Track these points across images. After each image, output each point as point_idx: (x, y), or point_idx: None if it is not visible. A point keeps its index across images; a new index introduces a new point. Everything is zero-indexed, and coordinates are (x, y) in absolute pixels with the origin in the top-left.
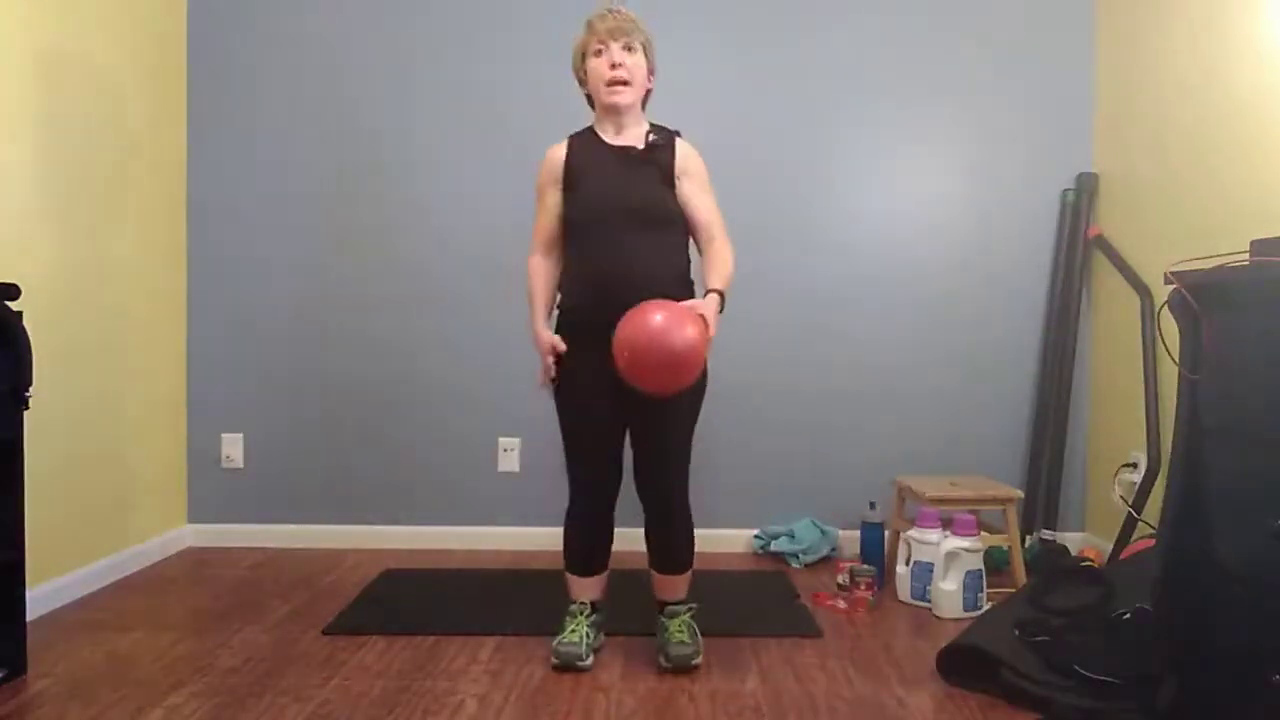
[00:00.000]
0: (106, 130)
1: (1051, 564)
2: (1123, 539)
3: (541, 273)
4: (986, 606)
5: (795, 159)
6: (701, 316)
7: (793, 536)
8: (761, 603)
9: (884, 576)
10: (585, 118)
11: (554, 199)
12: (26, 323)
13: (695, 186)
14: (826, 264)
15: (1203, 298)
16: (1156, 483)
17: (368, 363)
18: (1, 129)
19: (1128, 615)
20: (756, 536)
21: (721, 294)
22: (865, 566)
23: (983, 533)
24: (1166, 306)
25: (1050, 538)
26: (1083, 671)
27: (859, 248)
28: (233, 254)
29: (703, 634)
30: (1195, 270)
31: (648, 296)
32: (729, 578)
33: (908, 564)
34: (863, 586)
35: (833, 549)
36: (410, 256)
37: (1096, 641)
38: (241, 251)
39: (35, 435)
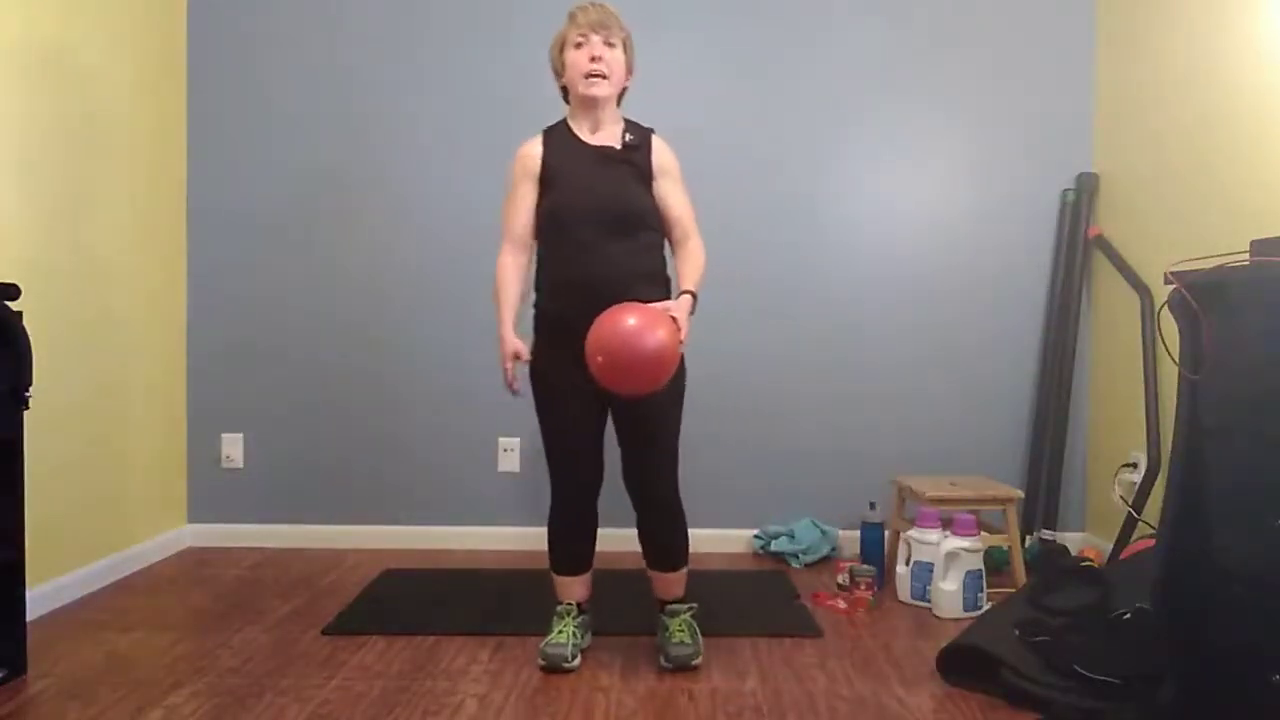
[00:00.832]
0: (107, 131)
1: (1051, 564)
2: (1123, 539)
3: (511, 272)
4: (986, 606)
5: (795, 159)
6: (673, 318)
7: (793, 536)
8: (761, 603)
9: (884, 576)
10: None
11: (529, 195)
12: (26, 323)
13: (671, 184)
14: (827, 264)
15: (1203, 298)
16: (1156, 483)
17: (368, 363)
18: (1, 129)
19: (1128, 615)
20: (756, 536)
21: (694, 295)
22: (865, 566)
23: (983, 533)
24: (1166, 306)
25: (1050, 538)
26: (1083, 671)
27: (859, 248)
28: (232, 254)
29: (703, 634)
30: (1195, 270)
31: (626, 297)
32: (729, 578)
33: (908, 564)
34: (863, 586)
35: (833, 549)
36: (410, 256)
37: (1096, 641)
38: (241, 252)
39: (35, 435)
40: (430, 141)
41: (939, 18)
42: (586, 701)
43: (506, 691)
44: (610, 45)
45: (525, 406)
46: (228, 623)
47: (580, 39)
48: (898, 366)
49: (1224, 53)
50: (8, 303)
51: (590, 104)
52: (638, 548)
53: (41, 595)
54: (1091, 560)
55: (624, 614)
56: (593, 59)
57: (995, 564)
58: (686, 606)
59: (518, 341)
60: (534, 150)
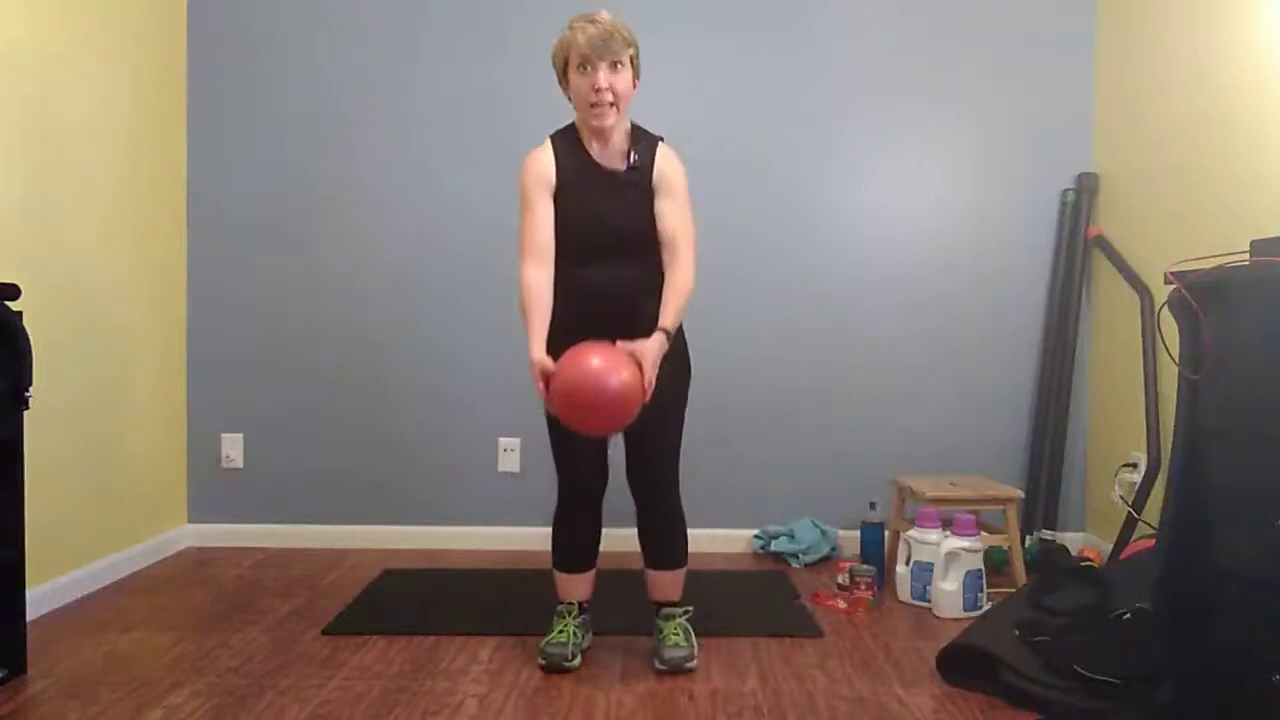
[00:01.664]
0: (107, 131)
1: (1051, 564)
2: (1123, 539)
3: (538, 289)
4: (986, 606)
5: (794, 159)
6: (639, 362)
7: (793, 536)
8: (761, 603)
9: (884, 576)
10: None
11: (547, 208)
12: (26, 323)
13: (668, 200)
14: (826, 264)
15: (1203, 298)
16: (1156, 483)
17: (368, 363)
18: (2, 130)
19: (1128, 615)
20: (756, 536)
21: (668, 332)
22: (865, 566)
23: (983, 533)
24: (1166, 306)
25: (1050, 538)
26: (1083, 671)
27: (859, 248)
28: (232, 254)
29: (703, 634)
30: (1195, 270)
31: (634, 311)
32: (729, 578)
33: (908, 564)
34: (863, 586)
35: (833, 549)
36: (411, 257)
37: (1096, 641)
38: (241, 252)
39: (35, 435)
40: (431, 141)
41: (939, 18)
42: (586, 701)
43: (506, 691)
44: (616, 67)
45: (525, 406)
46: (228, 623)
47: (583, 62)
48: (898, 366)
49: (1223, 52)
50: (8, 303)
51: (599, 131)
52: (636, 548)
53: (41, 595)
54: (1091, 560)
55: (624, 614)
56: (598, 89)
57: (995, 564)
58: (682, 610)
59: (548, 360)
60: (546, 161)
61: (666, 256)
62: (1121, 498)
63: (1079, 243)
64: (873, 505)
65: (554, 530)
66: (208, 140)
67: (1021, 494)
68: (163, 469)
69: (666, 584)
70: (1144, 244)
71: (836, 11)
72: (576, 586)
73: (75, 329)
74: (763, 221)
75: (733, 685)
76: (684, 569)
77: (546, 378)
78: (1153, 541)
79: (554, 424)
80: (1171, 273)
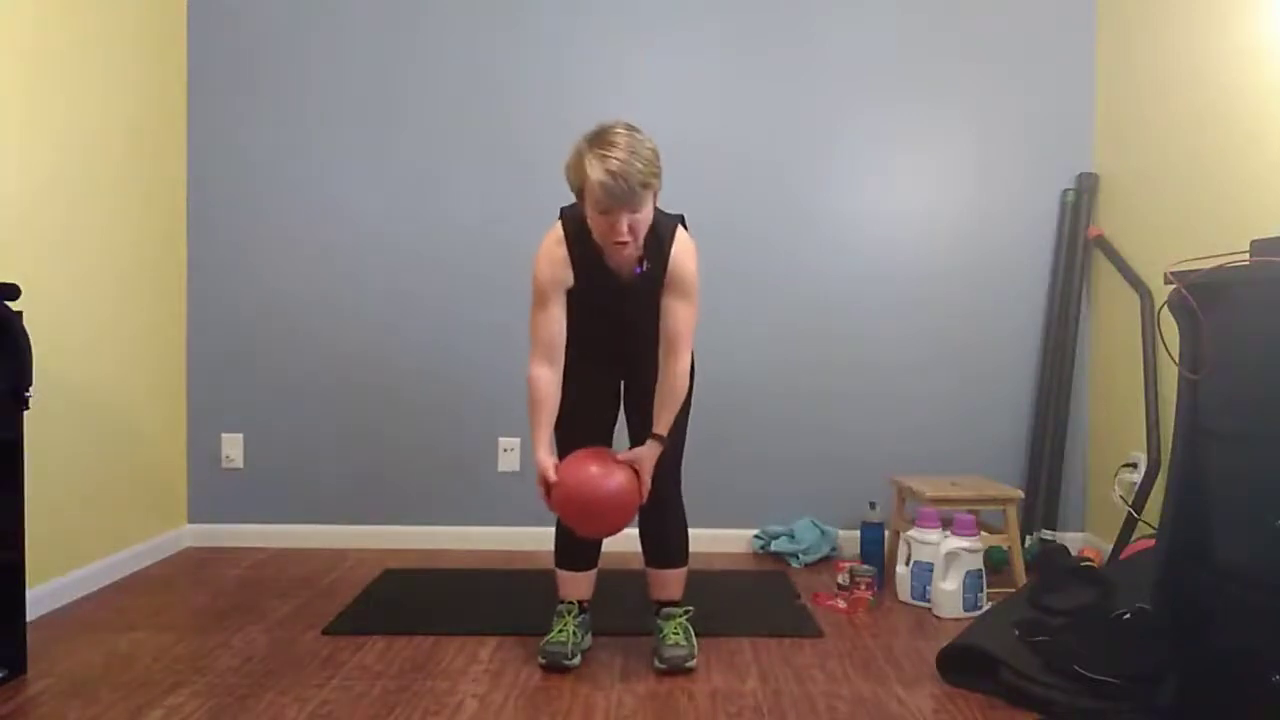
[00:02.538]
0: (107, 131)
1: (1051, 564)
2: (1123, 539)
3: (546, 386)
4: (986, 606)
5: (794, 159)
6: (635, 471)
7: (793, 536)
8: (761, 603)
9: (884, 576)
10: (585, 128)
11: (560, 305)
12: (26, 323)
13: (676, 299)
14: (826, 264)
15: (1203, 298)
16: (1156, 483)
17: (368, 362)
18: (4, 132)
19: (1128, 615)
20: (756, 536)
21: (662, 439)
22: (865, 566)
23: (983, 533)
24: (1166, 306)
25: (1050, 538)
26: (1083, 671)
27: (859, 248)
28: (232, 254)
29: (703, 634)
30: (1195, 270)
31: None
32: (729, 578)
33: (908, 564)
34: (863, 586)
35: (833, 549)
36: (411, 256)
37: (1096, 641)
38: (241, 252)
39: (35, 435)
40: (431, 140)
41: (939, 18)
42: (586, 701)
43: (506, 691)
44: (637, 208)
45: (525, 406)
46: (228, 623)
47: (603, 210)
48: (898, 366)
49: (1223, 53)
50: (8, 303)
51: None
52: (640, 547)
53: (41, 595)
54: (1091, 560)
55: (624, 614)
56: (618, 235)
57: (995, 564)
58: (682, 609)
59: (550, 466)
60: (561, 261)
61: (663, 351)
62: (1121, 498)
63: (1079, 243)
64: (873, 505)
65: (558, 529)
66: (209, 141)
67: (1021, 494)
68: (163, 469)
69: (667, 583)
70: (1144, 244)
71: (836, 12)
72: (578, 585)
73: (75, 329)
74: (763, 222)
75: (733, 685)
76: (685, 568)
77: (547, 483)
78: (1153, 541)
79: (563, 425)
80: (1171, 273)
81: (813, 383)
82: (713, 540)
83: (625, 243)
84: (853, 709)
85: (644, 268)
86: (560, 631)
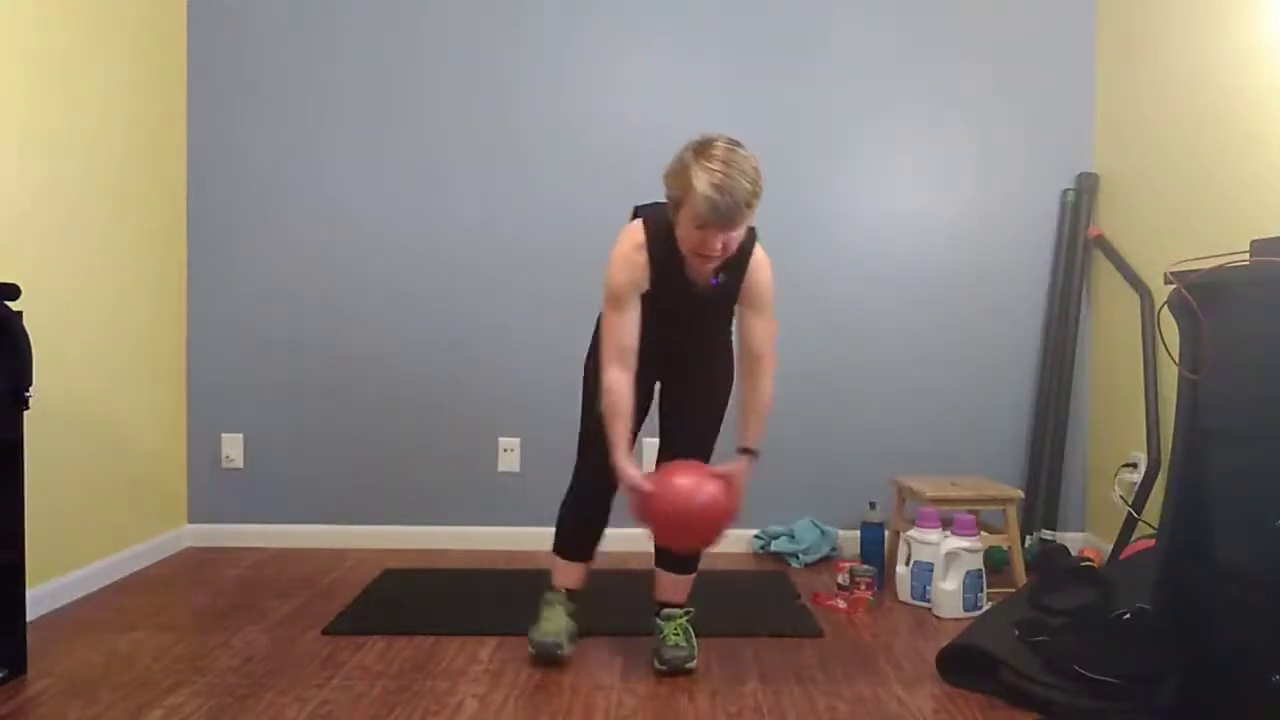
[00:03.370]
0: (107, 131)
1: (1051, 564)
2: (1123, 539)
3: (624, 391)
4: (986, 606)
5: (795, 159)
6: (729, 482)
7: (793, 536)
8: (761, 603)
9: (884, 576)
10: (585, 128)
11: (636, 308)
12: (27, 323)
13: (758, 316)
14: (827, 264)
15: (1203, 298)
16: (1156, 483)
17: (368, 362)
18: (4, 132)
19: (1128, 615)
20: (756, 536)
21: (755, 453)
22: (865, 566)
23: (983, 533)
24: (1166, 306)
25: (1050, 538)
26: (1083, 671)
27: (859, 248)
28: (232, 254)
29: (703, 634)
30: (1195, 270)
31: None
32: (729, 578)
33: (908, 564)
34: (863, 586)
35: (833, 549)
36: (411, 255)
37: (1096, 641)
38: (241, 251)
39: (35, 435)
40: (431, 140)
41: (939, 19)
42: (586, 701)
43: (506, 691)
44: (736, 228)
45: (525, 407)
46: (228, 623)
47: (703, 225)
48: (898, 366)
49: (1223, 53)
50: (8, 303)
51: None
52: (640, 547)
53: (41, 595)
54: (1091, 560)
55: (624, 614)
56: (710, 250)
57: (995, 564)
58: (683, 611)
59: (635, 473)
60: (641, 265)
61: (747, 367)
62: (1121, 498)
63: (1079, 243)
64: (873, 505)
65: (563, 516)
66: (209, 141)
67: (1021, 494)
68: (163, 469)
69: (675, 587)
70: (1144, 244)
71: (836, 12)
72: (574, 575)
73: (76, 329)
74: (762, 222)
75: (733, 685)
76: (693, 576)
77: (641, 493)
78: (1153, 541)
79: (591, 410)
80: (1171, 273)
81: (813, 382)
82: None
83: (715, 258)
84: (853, 709)
85: (720, 279)
86: (549, 621)
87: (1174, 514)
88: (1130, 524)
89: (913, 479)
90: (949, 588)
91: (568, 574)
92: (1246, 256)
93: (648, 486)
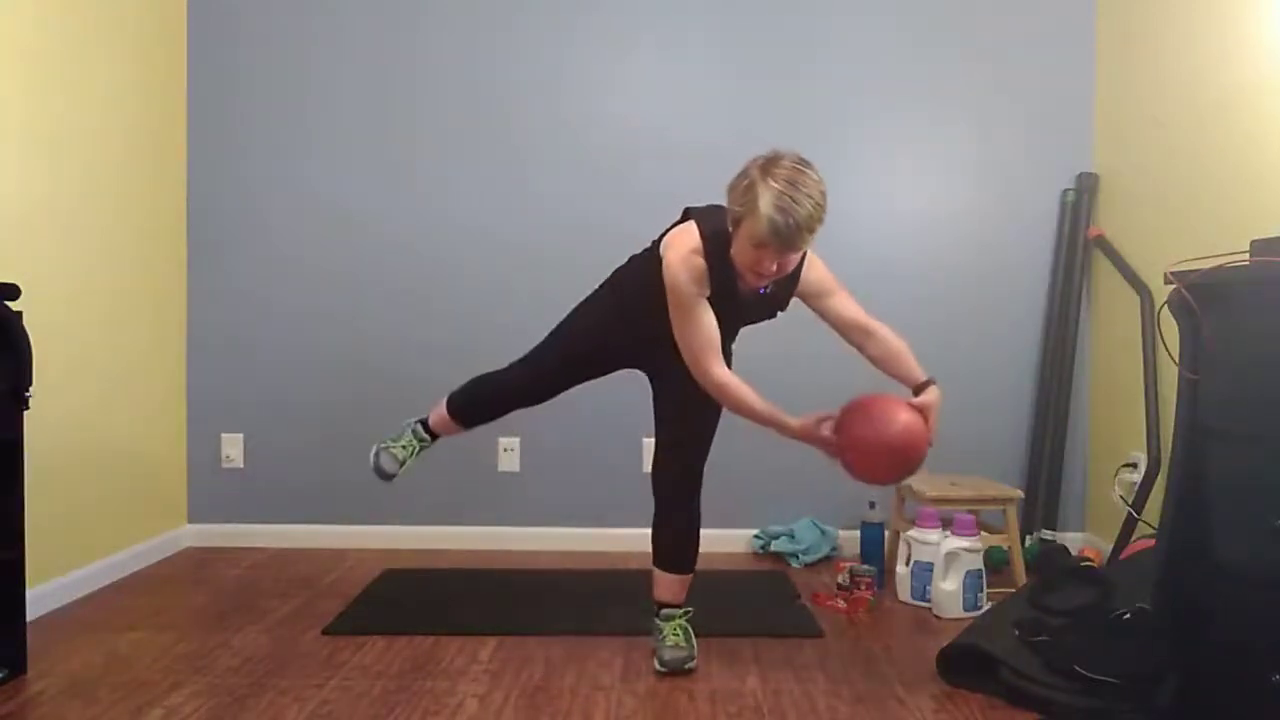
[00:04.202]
0: (109, 134)
1: (1051, 564)
2: (1123, 539)
3: (739, 380)
4: (986, 606)
5: None
6: (924, 411)
7: (793, 536)
8: (761, 603)
9: (884, 576)
10: (585, 128)
11: (708, 308)
12: (27, 323)
13: (832, 299)
14: (827, 263)
15: (1203, 298)
16: (1156, 483)
17: (368, 362)
18: (4, 132)
19: (1128, 615)
20: (756, 536)
21: (933, 380)
22: (865, 566)
23: (983, 533)
24: (1166, 306)
25: (1050, 538)
26: (1083, 671)
27: (859, 247)
28: (232, 254)
29: (703, 634)
30: (1195, 270)
31: None
32: (729, 578)
33: (908, 564)
34: (863, 586)
35: (833, 549)
36: (409, 256)
37: (1096, 641)
38: (241, 252)
39: (35, 435)
40: (431, 140)
41: (939, 18)
42: (586, 701)
43: (506, 691)
44: (796, 252)
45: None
46: (228, 623)
47: (763, 244)
48: None
49: (1224, 52)
50: (8, 303)
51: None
52: (641, 547)
53: (41, 595)
54: (1091, 560)
55: (624, 614)
56: (765, 266)
57: (995, 564)
58: (682, 611)
59: (813, 418)
60: (701, 270)
61: (859, 338)
62: (1121, 498)
63: (1079, 243)
64: (873, 505)
65: (481, 384)
66: (208, 142)
67: (1021, 494)
68: (163, 469)
69: (673, 586)
70: (1144, 244)
71: (837, 13)
72: (449, 430)
73: (76, 329)
74: None
75: (733, 685)
76: (691, 575)
77: (827, 433)
78: (1153, 541)
79: (577, 331)
80: (1171, 273)
81: (813, 382)
82: (713, 540)
83: (769, 277)
84: (853, 709)
85: (768, 289)
86: (405, 447)
87: (1174, 514)
88: (1130, 524)
89: (913, 479)
90: (949, 588)
91: (446, 428)
92: (1246, 256)
93: (835, 426)
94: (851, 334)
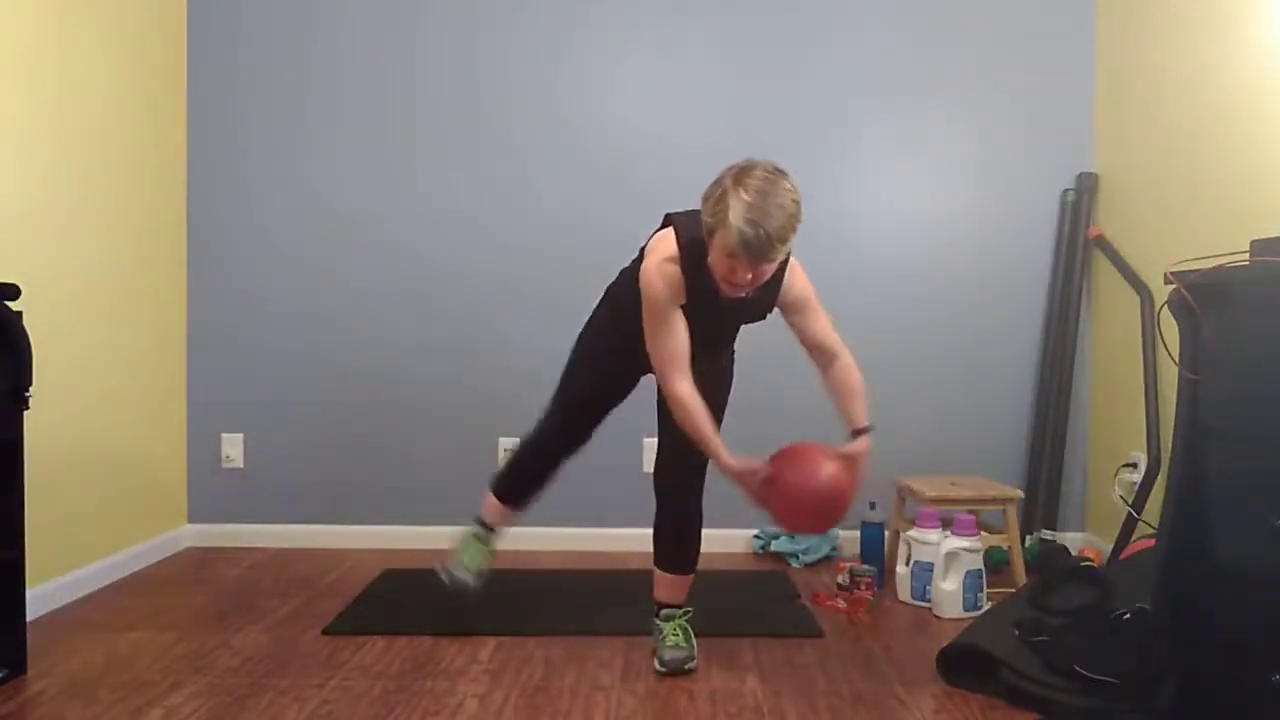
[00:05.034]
0: (109, 135)
1: (1051, 564)
2: (1123, 539)
3: (698, 399)
4: (986, 606)
5: (794, 159)
6: (851, 460)
7: (793, 536)
8: (761, 603)
9: (884, 576)
10: (585, 128)
11: (680, 319)
12: (27, 323)
13: (806, 315)
14: (826, 264)
15: (1203, 298)
16: (1156, 483)
17: (368, 363)
18: (3, 132)
19: (1128, 615)
20: (756, 536)
21: (869, 429)
22: (865, 566)
23: (983, 533)
24: (1166, 306)
25: (1050, 538)
26: (1083, 671)
27: (859, 247)
28: (232, 254)
29: (704, 633)
30: (1195, 270)
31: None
32: (729, 578)
33: (908, 564)
34: (863, 586)
35: (833, 549)
36: (409, 256)
37: (1096, 641)
38: (241, 251)
39: (35, 435)
40: (431, 140)
41: (939, 18)
42: (586, 701)
43: (506, 691)
44: (769, 263)
45: (525, 407)
46: (228, 623)
47: (734, 255)
48: (898, 366)
49: (1224, 53)
50: (8, 303)
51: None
52: (641, 547)
53: (41, 595)
54: (1091, 560)
55: (624, 614)
56: (739, 276)
57: (995, 564)
58: (682, 611)
59: (744, 460)
60: (676, 279)
61: (822, 361)
62: (1121, 498)
63: (1079, 243)
64: (873, 505)
65: (518, 463)
66: (208, 142)
67: (1021, 494)
68: (163, 469)
69: (674, 587)
70: (1144, 244)
71: (836, 13)
72: (502, 516)
73: (76, 329)
74: None
75: (733, 685)
76: (691, 576)
77: (758, 476)
78: (1153, 541)
79: (580, 373)
80: (1171, 273)
81: (812, 382)
82: (713, 540)
83: (744, 287)
84: (853, 709)
85: (749, 295)
86: (470, 556)
87: (1174, 514)
88: (1130, 524)
89: (913, 479)
90: (949, 588)
91: (499, 515)
92: (1246, 256)
93: (766, 471)
94: (817, 355)
